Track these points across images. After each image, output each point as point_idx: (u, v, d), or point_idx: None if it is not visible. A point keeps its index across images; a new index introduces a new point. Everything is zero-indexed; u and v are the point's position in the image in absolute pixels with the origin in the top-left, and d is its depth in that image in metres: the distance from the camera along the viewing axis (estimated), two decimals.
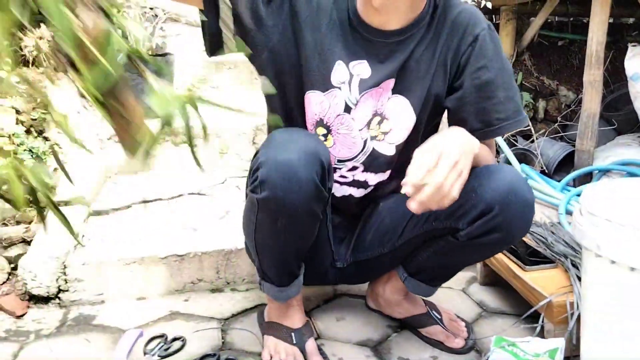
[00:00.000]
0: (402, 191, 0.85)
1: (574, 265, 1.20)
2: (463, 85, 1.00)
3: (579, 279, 1.13)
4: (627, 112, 2.26)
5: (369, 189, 1.11)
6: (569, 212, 1.69)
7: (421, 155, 0.86)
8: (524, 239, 1.39)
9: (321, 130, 1.05)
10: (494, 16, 2.83)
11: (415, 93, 1.01)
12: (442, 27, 0.99)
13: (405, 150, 1.04)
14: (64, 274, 1.31)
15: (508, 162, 2.17)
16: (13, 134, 1.60)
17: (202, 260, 1.39)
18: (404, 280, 1.15)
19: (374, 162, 1.06)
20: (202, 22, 0.97)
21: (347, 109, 1.02)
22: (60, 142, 1.71)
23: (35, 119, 1.72)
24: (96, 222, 1.54)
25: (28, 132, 1.69)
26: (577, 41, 2.73)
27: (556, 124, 2.42)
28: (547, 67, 2.64)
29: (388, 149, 1.06)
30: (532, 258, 1.27)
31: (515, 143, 2.31)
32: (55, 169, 1.65)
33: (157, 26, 2.05)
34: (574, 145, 2.11)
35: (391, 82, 1.01)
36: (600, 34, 1.92)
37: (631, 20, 3.02)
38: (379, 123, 1.04)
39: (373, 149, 1.05)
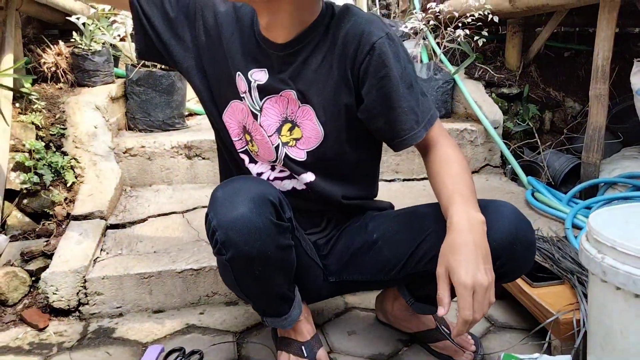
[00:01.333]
0: (440, 313, 0.86)
1: (581, 282, 1.23)
2: (369, 96, 0.99)
3: (586, 296, 1.16)
4: (633, 124, 2.28)
5: (304, 186, 1.11)
6: (575, 226, 1.72)
7: (446, 290, 0.85)
8: None
9: (247, 137, 1.11)
10: (500, 28, 2.87)
11: (319, 104, 1.02)
12: (337, 37, 0.99)
13: (319, 157, 1.06)
14: (84, 287, 1.36)
15: (514, 174, 2.20)
16: (33, 150, 1.65)
17: (217, 274, 1.43)
18: (411, 305, 1.17)
19: (290, 166, 1.08)
20: (134, 30, 1.12)
21: (255, 116, 1.07)
22: (78, 156, 1.76)
23: (54, 134, 1.77)
24: (113, 236, 1.59)
25: (47, 147, 1.74)
26: (583, 52, 2.76)
27: (562, 136, 2.45)
28: (553, 79, 2.66)
29: (299, 154, 1.07)
30: (539, 274, 1.30)
31: (522, 155, 2.34)
32: (73, 183, 1.70)
33: None
34: (580, 157, 2.13)
35: (292, 93, 1.03)
36: (606, 49, 1.95)
37: (637, 30, 3.05)
38: (290, 130, 1.06)
39: (286, 154, 1.07)
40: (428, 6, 2.53)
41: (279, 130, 1.07)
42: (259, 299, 1.07)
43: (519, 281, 1.29)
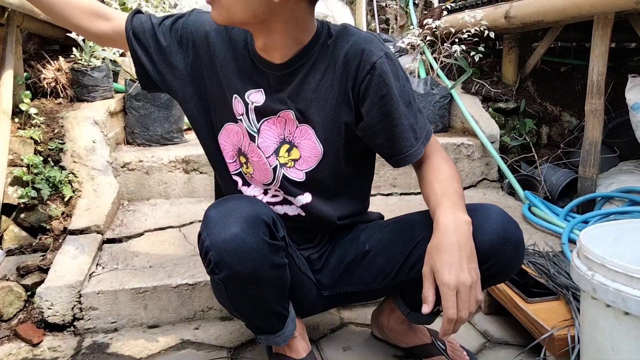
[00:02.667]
0: (424, 311, 0.88)
1: (575, 298, 1.23)
2: (370, 114, 1.00)
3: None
4: (629, 138, 2.29)
5: (298, 209, 1.12)
6: (572, 241, 1.71)
7: (431, 290, 0.87)
8: (527, 269, 1.42)
9: (242, 159, 1.11)
10: (497, 43, 2.89)
11: (319, 123, 1.03)
12: (338, 56, 1.00)
13: (318, 177, 1.07)
14: (79, 302, 1.36)
15: (511, 188, 2.20)
16: (31, 165, 1.66)
17: None
18: (407, 315, 1.17)
19: (287, 187, 1.09)
20: (134, 63, 1.14)
21: (252, 138, 1.07)
22: (76, 171, 1.77)
23: (53, 149, 1.78)
24: (110, 250, 1.59)
25: (45, 161, 1.75)
26: (579, 67, 2.78)
27: (559, 150, 2.46)
28: (550, 93, 2.68)
29: (297, 175, 1.08)
30: (535, 289, 1.30)
31: (519, 169, 2.35)
32: (70, 197, 1.71)
33: None
34: (577, 172, 2.14)
35: (290, 113, 1.03)
36: (600, 65, 1.96)
37: (633, 45, 3.07)
38: (288, 150, 1.06)
39: (284, 175, 1.08)
40: (425, 22, 2.56)
41: (276, 152, 1.07)
42: (252, 317, 1.07)
43: (514, 296, 1.29)
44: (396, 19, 3.68)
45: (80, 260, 1.45)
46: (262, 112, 1.05)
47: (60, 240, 1.59)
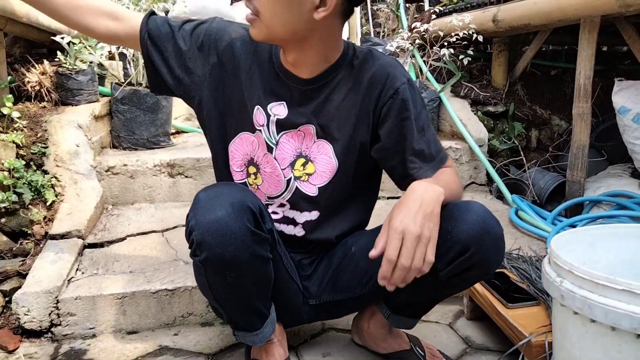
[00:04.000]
0: (370, 254, 0.89)
1: None
2: (389, 136, 1.05)
3: None
4: (617, 142, 2.28)
5: (298, 227, 1.14)
6: None
7: (384, 237, 0.88)
8: (509, 274, 1.41)
9: (252, 169, 1.12)
10: (489, 46, 2.89)
11: (338, 140, 1.06)
12: (363, 77, 1.04)
13: (329, 193, 1.10)
14: (57, 308, 1.34)
15: (499, 192, 2.19)
16: (13, 169, 1.65)
17: (193, 294, 1.42)
18: (388, 317, 1.17)
19: (298, 200, 1.11)
20: (145, 65, 1.12)
21: (270, 149, 1.09)
22: (59, 175, 1.76)
23: (35, 153, 1.77)
24: (90, 255, 1.57)
25: (27, 165, 1.74)
26: (569, 70, 2.77)
27: (548, 154, 2.45)
28: (540, 97, 2.68)
29: (310, 189, 1.10)
30: (516, 295, 1.29)
31: (507, 173, 2.34)
32: (53, 202, 1.69)
33: None
34: (565, 175, 2.13)
35: (311, 128, 1.06)
36: (587, 68, 1.96)
37: (625, 48, 3.07)
38: (304, 164, 1.09)
39: (297, 188, 1.10)
40: (413, 25, 2.55)
41: (292, 165, 1.09)
42: (231, 308, 1.07)
43: (495, 302, 1.28)
44: (387, 22, 3.68)
45: (59, 266, 1.44)
46: (283, 125, 1.07)
47: (41, 245, 1.57)
